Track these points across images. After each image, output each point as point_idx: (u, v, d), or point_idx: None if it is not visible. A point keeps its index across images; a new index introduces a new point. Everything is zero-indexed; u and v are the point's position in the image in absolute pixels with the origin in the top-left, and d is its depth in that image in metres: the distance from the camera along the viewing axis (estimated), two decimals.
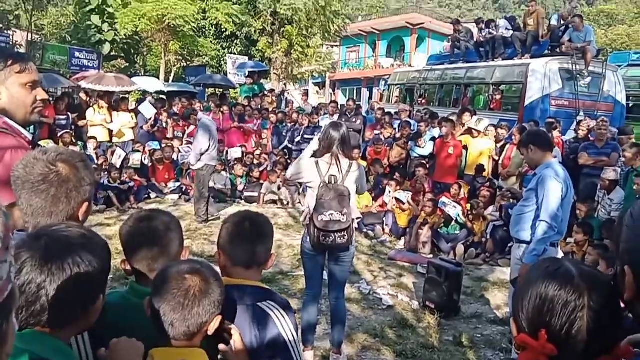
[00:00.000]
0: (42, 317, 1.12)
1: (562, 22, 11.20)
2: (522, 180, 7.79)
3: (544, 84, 10.33)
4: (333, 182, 3.63)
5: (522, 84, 10.66)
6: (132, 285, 1.65)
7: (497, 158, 8.44)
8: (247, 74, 16.92)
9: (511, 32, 11.77)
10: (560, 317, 1.00)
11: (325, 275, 4.01)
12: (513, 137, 8.11)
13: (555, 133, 8.13)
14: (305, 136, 10.66)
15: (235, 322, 1.61)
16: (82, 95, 11.55)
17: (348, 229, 3.65)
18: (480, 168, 8.39)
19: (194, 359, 1.35)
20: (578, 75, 10.41)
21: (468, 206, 7.46)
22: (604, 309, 1.01)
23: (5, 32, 20.64)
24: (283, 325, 1.65)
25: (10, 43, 18.53)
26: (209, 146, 7.63)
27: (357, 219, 3.84)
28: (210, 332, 1.45)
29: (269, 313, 1.65)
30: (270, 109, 12.51)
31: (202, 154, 7.59)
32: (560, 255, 3.99)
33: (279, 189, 9.52)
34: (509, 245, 6.06)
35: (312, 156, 3.82)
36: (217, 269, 1.63)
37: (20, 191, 1.45)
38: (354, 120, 10.61)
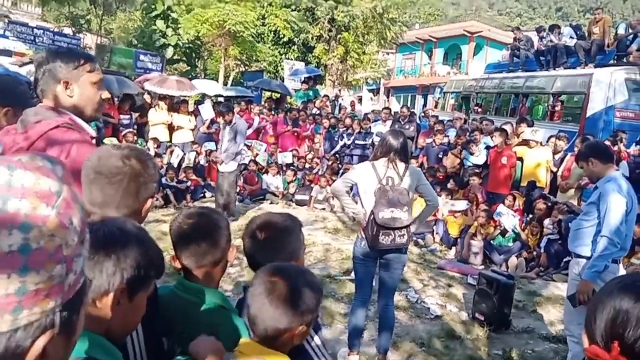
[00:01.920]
0: None
1: (630, 31, 10.75)
2: (581, 194, 7.52)
3: (608, 95, 9.94)
4: (391, 184, 3.69)
5: (585, 94, 10.30)
6: (180, 281, 1.68)
7: (554, 169, 8.17)
8: (302, 80, 17.15)
9: (575, 40, 11.40)
10: (634, 329, 0.99)
11: (375, 281, 4.03)
12: (575, 148, 7.85)
13: (621, 147, 7.81)
14: (357, 142, 10.72)
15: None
16: (147, 97, 12.04)
17: (408, 228, 3.71)
18: (532, 184, 8.15)
19: None
20: None
21: (523, 218, 7.27)
22: None
23: (77, 35, 21.81)
24: (308, 339, 1.60)
25: (81, 46, 19.53)
26: (241, 149, 7.89)
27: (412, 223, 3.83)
28: (296, 341, 1.44)
29: None
30: (324, 114, 12.64)
31: (235, 156, 7.79)
32: (622, 272, 3.83)
33: (328, 193, 9.60)
34: (564, 260, 5.86)
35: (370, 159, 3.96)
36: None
37: (91, 182, 1.50)
38: (407, 127, 10.56)
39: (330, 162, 10.68)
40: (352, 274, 4.39)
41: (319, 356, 1.63)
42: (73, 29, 24.59)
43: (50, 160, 0.65)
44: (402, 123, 10.65)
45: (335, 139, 11.27)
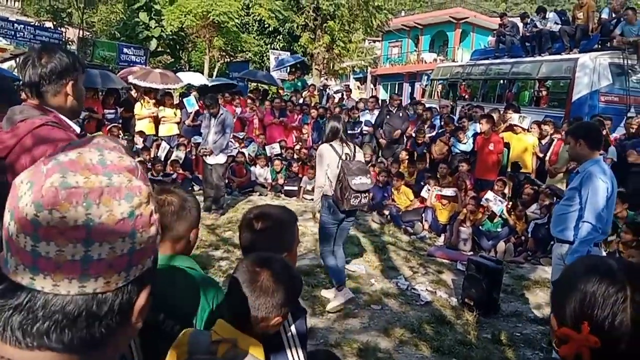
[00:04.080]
0: None
1: (614, 16, 10.80)
2: (568, 178, 7.60)
3: (592, 79, 10.01)
4: (349, 159, 4.69)
5: (570, 79, 10.37)
6: None
7: (540, 155, 8.24)
8: (288, 70, 17.06)
9: (559, 26, 11.44)
10: (602, 309, 1.01)
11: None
12: (561, 134, 7.91)
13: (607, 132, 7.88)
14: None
15: None
16: (133, 92, 11.91)
17: (370, 191, 4.87)
18: (516, 166, 8.24)
19: (245, 344, 1.40)
20: (629, 71, 10.05)
21: (510, 203, 7.33)
22: None
23: (59, 29, 21.43)
24: (284, 326, 1.66)
25: (63, 39, 19.22)
26: (228, 140, 7.92)
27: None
28: (270, 329, 1.50)
29: None
30: (312, 104, 12.59)
31: (224, 148, 7.77)
32: (603, 255, 3.89)
33: None
34: (551, 243, 5.93)
35: (322, 142, 4.99)
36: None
37: None
38: (399, 114, 10.53)
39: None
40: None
41: (291, 346, 1.67)
42: (54, 22, 24.15)
43: (115, 140, 0.74)
44: (393, 112, 10.63)
45: (323, 129, 11.21)
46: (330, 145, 4.73)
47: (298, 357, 1.67)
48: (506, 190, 7.62)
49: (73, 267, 0.63)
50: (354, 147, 4.82)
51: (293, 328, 1.69)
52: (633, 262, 1.15)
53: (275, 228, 1.83)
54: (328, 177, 4.70)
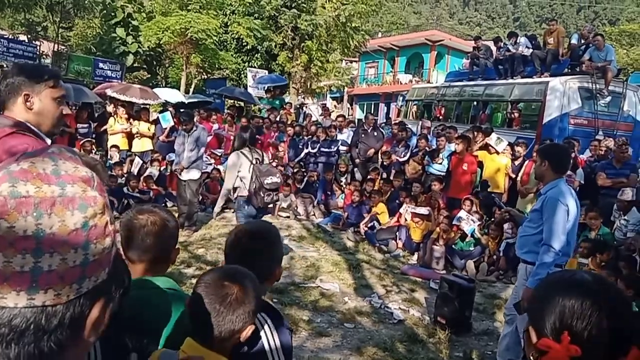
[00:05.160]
0: None
1: (583, 41, 11.16)
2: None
3: (562, 102, 10.27)
4: (259, 162, 5.56)
5: (541, 102, 10.62)
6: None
7: (513, 175, 8.39)
8: (265, 89, 17.11)
9: (531, 50, 11.76)
10: (581, 320, 1.06)
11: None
12: (533, 155, 8.07)
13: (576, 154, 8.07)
14: (323, 149, 10.72)
15: None
16: (109, 106, 11.78)
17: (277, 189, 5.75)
18: (484, 185, 8.39)
19: None
20: (598, 95, 10.35)
21: (483, 223, 7.42)
22: (621, 309, 1.09)
23: (33, 42, 21.19)
24: (269, 341, 1.64)
25: (38, 53, 18.97)
26: (202, 156, 7.93)
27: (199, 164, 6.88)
28: (242, 339, 1.49)
29: (259, 329, 1.64)
30: (288, 122, 12.62)
31: (197, 164, 7.74)
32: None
33: (292, 200, 9.58)
34: None
35: (232, 151, 5.95)
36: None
37: None
38: (374, 134, 10.63)
39: (294, 170, 10.65)
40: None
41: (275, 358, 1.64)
42: (28, 36, 23.86)
43: (72, 151, 0.73)
44: (368, 131, 10.72)
45: (300, 146, 11.25)
46: (241, 152, 5.67)
47: None
48: (474, 209, 7.72)
49: (22, 279, 0.61)
50: (262, 153, 5.83)
51: (276, 338, 1.66)
52: (605, 276, 1.20)
53: (264, 246, 1.81)
54: (242, 180, 5.62)
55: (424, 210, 7.87)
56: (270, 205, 5.88)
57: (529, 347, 1.16)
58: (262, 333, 1.64)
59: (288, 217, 9.39)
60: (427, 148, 9.57)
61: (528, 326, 1.17)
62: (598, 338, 1.05)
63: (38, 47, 19.95)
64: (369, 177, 9.70)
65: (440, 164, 9.03)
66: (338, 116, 13.38)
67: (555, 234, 3.55)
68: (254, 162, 5.56)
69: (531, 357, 1.14)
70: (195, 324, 1.45)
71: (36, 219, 0.62)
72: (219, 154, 10.90)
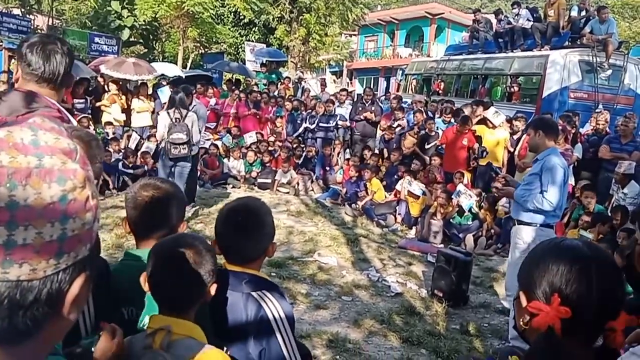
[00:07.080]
0: None
1: (584, 14, 11.01)
2: None
3: (562, 76, 10.19)
4: (176, 122, 6.60)
5: (541, 76, 10.53)
6: (126, 252, 1.81)
7: (512, 149, 8.36)
8: (262, 62, 16.95)
9: (531, 23, 11.61)
10: (572, 283, 1.09)
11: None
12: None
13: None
14: (321, 124, 10.66)
15: (229, 309, 1.66)
16: (100, 79, 11.66)
17: (187, 144, 6.63)
18: (490, 166, 8.38)
19: (181, 329, 1.38)
20: (598, 68, 10.26)
21: (479, 197, 7.43)
22: (610, 274, 1.12)
23: (27, 16, 20.83)
24: (273, 312, 1.65)
25: (32, 27, 18.70)
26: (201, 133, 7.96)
27: (197, 142, 7.27)
28: (208, 299, 1.50)
29: (261, 303, 1.66)
30: (286, 97, 12.53)
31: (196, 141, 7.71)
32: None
33: (292, 176, 9.57)
34: None
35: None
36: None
37: None
38: (372, 109, 10.57)
39: (293, 145, 10.60)
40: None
41: (281, 331, 1.66)
42: (22, 9, 23.47)
43: (56, 122, 0.70)
44: (366, 105, 10.65)
45: (298, 121, 11.18)
46: (167, 111, 6.79)
47: (290, 343, 1.66)
48: (465, 181, 7.71)
49: None
50: (186, 113, 6.73)
51: (279, 308, 1.66)
52: (594, 242, 1.21)
53: (256, 222, 1.79)
54: (163, 134, 6.73)
55: (418, 191, 7.84)
56: (178, 155, 6.63)
57: (520, 312, 1.18)
58: (263, 304, 1.65)
59: (288, 192, 9.39)
60: (422, 122, 9.55)
61: (518, 293, 1.18)
62: (588, 300, 1.08)
63: (32, 21, 19.64)
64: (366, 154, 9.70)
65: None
66: (341, 90, 13.28)
67: (555, 192, 3.87)
68: (173, 120, 6.61)
69: (521, 323, 1.15)
70: (159, 296, 1.45)
71: (9, 190, 0.59)
72: (216, 129, 10.87)
